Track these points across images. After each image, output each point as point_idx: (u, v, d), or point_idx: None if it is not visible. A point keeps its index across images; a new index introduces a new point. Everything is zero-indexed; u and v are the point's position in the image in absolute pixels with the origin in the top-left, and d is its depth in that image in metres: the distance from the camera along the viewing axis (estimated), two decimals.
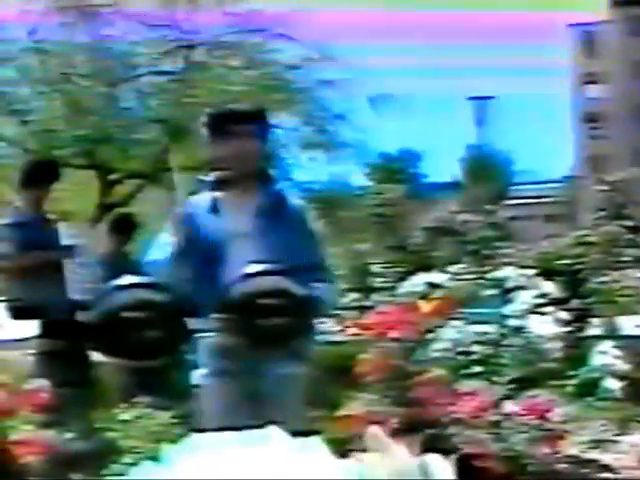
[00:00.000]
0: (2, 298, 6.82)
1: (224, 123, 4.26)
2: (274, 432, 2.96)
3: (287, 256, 4.07)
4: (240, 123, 4.23)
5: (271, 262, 4.00)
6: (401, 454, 3.10)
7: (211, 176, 4.32)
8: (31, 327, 6.67)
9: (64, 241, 6.78)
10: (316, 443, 2.92)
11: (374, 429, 3.10)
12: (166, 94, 14.62)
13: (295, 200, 4.43)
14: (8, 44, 14.40)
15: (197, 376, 4.22)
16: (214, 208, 4.25)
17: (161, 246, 4.29)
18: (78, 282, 6.58)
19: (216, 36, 14.72)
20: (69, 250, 6.72)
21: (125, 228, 8.59)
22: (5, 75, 14.58)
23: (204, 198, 4.30)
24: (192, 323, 4.00)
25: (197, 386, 4.21)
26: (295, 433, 2.98)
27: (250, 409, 4.07)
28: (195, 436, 3.02)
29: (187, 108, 13.79)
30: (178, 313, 3.92)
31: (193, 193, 4.45)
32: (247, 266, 3.96)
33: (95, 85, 14.00)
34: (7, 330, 7.27)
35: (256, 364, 4.06)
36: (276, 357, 4.07)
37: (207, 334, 4.04)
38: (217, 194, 4.27)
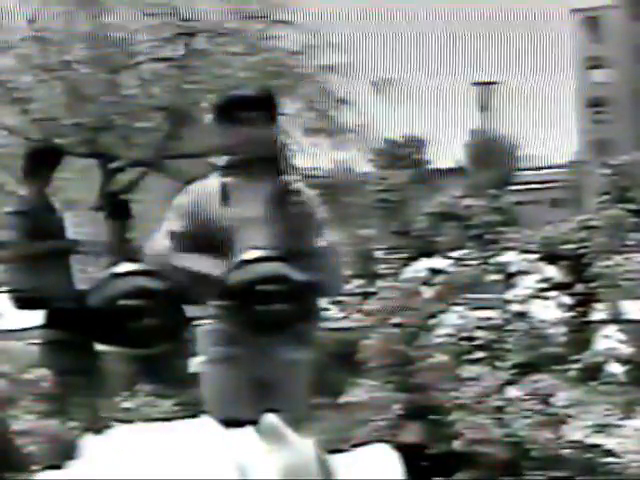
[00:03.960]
0: (5, 287, 6.80)
1: (234, 109, 4.24)
2: (205, 422, 2.90)
3: (294, 242, 4.05)
4: (250, 109, 4.20)
5: (271, 248, 3.97)
6: (300, 446, 2.87)
7: (221, 161, 4.29)
8: (34, 317, 6.66)
9: (68, 230, 6.77)
10: (247, 434, 2.82)
11: (270, 417, 2.84)
12: (167, 81, 14.58)
13: (303, 186, 4.41)
14: (8, 32, 14.37)
15: (196, 364, 4.20)
16: (223, 194, 4.22)
17: (165, 233, 4.26)
18: (83, 271, 6.57)
19: (217, 22, 14.67)
20: (74, 240, 6.71)
21: (121, 214, 8.59)
22: (5, 63, 14.55)
23: (212, 183, 4.28)
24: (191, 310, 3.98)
25: (196, 374, 4.19)
26: (229, 423, 2.90)
27: (252, 396, 4.05)
28: (120, 426, 2.97)
29: (189, 95, 13.76)
30: (176, 300, 3.90)
31: (201, 178, 4.41)
32: (246, 252, 3.94)
33: (96, 73, 13.96)
34: (10, 320, 7.26)
35: (257, 350, 4.04)
36: (277, 343, 4.05)
37: (207, 321, 4.02)
38: (226, 180, 4.25)
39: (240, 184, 4.22)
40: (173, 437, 2.82)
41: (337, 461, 2.96)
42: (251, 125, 4.18)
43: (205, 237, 4.11)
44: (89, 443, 2.92)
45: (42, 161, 6.80)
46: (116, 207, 8.76)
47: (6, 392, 4.17)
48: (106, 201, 9.40)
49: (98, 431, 3.00)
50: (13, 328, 7.67)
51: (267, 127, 4.24)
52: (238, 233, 4.11)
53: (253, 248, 3.95)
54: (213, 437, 2.81)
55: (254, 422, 2.97)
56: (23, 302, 6.61)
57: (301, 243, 4.07)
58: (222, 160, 4.27)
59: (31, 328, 6.82)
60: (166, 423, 2.98)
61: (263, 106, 4.25)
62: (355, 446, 3.19)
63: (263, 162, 4.25)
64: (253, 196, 4.21)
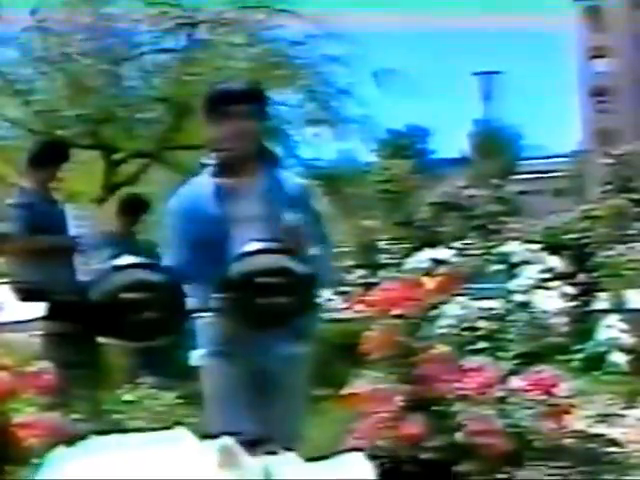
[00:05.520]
0: (8, 279, 6.80)
1: (221, 103, 4.20)
2: (182, 434, 2.87)
3: (291, 235, 4.03)
4: (237, 103, 4.17)
5: (272, 241, 3.95)
6: (249, 466, 2.83)
7: (212, 158, 4.27)
8: (36, 309, 6.66)
9: (71, 222, 6.76)
10: (211, 451, 2.79)
11: (225, 440, 2.82)
12: (169, 72, 14.55)
13: (297, 178, 4.39)
14: (9, 24, 14.34)
15: (196, 357, 4.19)
16: (216, 190, 4.20)
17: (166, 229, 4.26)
18: (85, 264, 6.56)
19: (218, 13, 14.63)
20: (75, 237, 6.71)
21: (135, 209, 8.58)
22: (7, 55, 14.52)
23: (205, 180, 4.26)
24: (191, 303, 3.97)
25: (196, 367, 4.19)
26: (205, 436, 2.89)
27: (253, 389, 4.05)
28: (94, 437, 2.94)
29: (191, 86, 13.71)
30: (177, 293, 3.89)
31: (194, 175, 4.40)
32: (247, 245, 3.92)
33: (98, 64, 13.93)
34: (11, 311, 7.25)
35: (257, 343, 4.03)
36: (277, 336, 4.04)
37: (207, 314, 4.01)
38: (218, 176, 4.23)
39: (232, 180, 4.20)
40: (135, 452, 2.80)
41: (305, 472, 2.91)
42: (239, 120, 4.15)
43: (201, 234, 4.09)
44: (58, 455, 2.89)
45: (48, 155, 6.79)
46: (129, 202, 8.73)
47: (7, 384, 4.16)
48: (119, 197, 9.42)
49: (69, 443, 2.97)
50: (15, 320, 7.67)
51: (255, 121, 4.21)
52: (232, 230, 4.09)
53: (253, 241, 3.93)
54: (174, 452, 2.79)
55: (241, 433, 2.96)
56: (25, 294, 6.61)
57: (298, 236, 4.05)
58: (213, 156, 4.25)
59: (33, 320, 6.82)
60: (140, 435, 2.94)
61: (250, 100, 4.22)
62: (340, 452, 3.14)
63: (254, 157, 4.23)
64: (245, 192, 4.19)
